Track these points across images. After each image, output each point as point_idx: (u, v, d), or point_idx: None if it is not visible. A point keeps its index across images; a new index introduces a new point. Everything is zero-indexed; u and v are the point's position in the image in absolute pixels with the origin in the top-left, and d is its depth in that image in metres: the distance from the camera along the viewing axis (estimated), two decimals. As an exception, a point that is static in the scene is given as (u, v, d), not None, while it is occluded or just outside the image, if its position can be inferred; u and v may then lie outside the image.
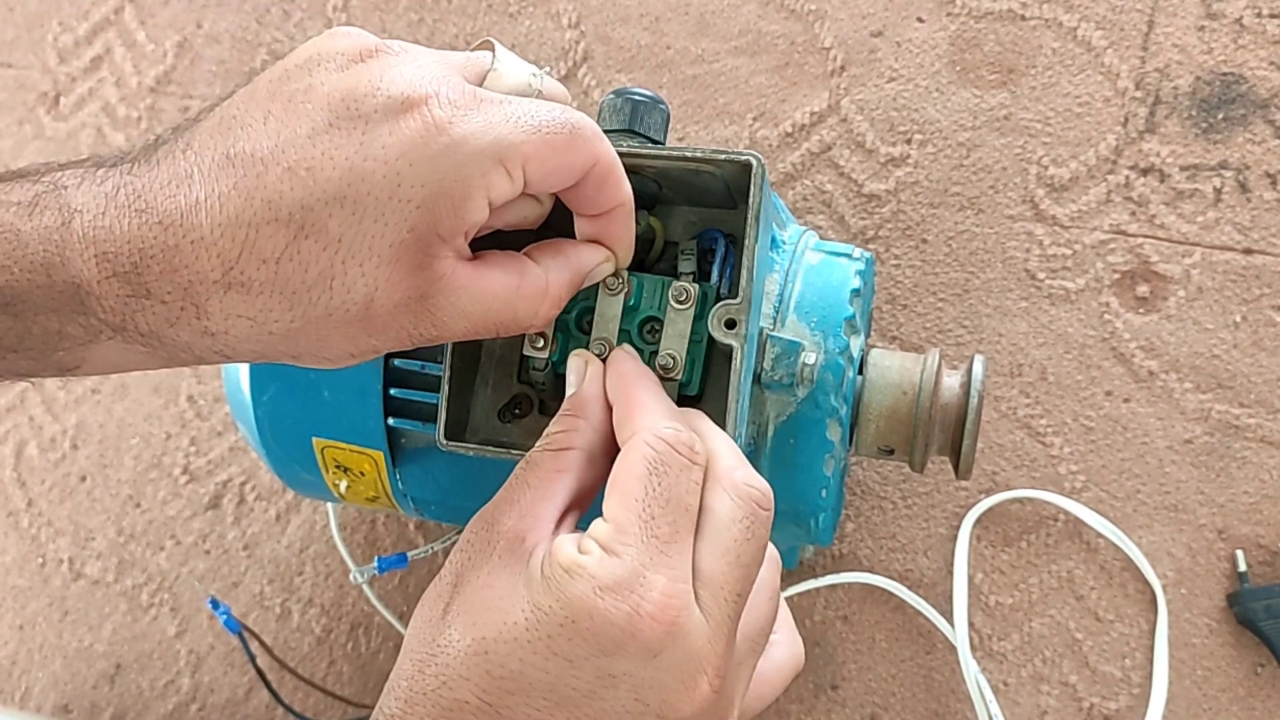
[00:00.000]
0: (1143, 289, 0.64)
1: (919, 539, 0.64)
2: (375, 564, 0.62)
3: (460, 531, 0.62)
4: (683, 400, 0.40)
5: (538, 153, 0.33)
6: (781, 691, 0.40)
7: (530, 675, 0.31)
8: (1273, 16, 0.65)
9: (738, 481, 0.34)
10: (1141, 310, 0.64)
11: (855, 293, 0.48)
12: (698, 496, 0.34)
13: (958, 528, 0.63)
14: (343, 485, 0.53)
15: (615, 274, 0.40)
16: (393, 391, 0.49)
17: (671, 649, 0.32)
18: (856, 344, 0.48)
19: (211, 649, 0.71)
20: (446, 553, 0.66)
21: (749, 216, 0.39)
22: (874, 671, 0.63)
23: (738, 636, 0.34)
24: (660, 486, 0.33)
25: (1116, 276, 0.65)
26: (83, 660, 0.72)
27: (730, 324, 0.39)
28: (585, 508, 0.36)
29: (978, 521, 0.63)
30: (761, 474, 0.36)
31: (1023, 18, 0.68)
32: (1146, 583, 0.61)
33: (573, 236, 0.39)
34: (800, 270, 0.48)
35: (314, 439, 0.51)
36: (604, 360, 0.39)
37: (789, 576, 0.64)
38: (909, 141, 0.68)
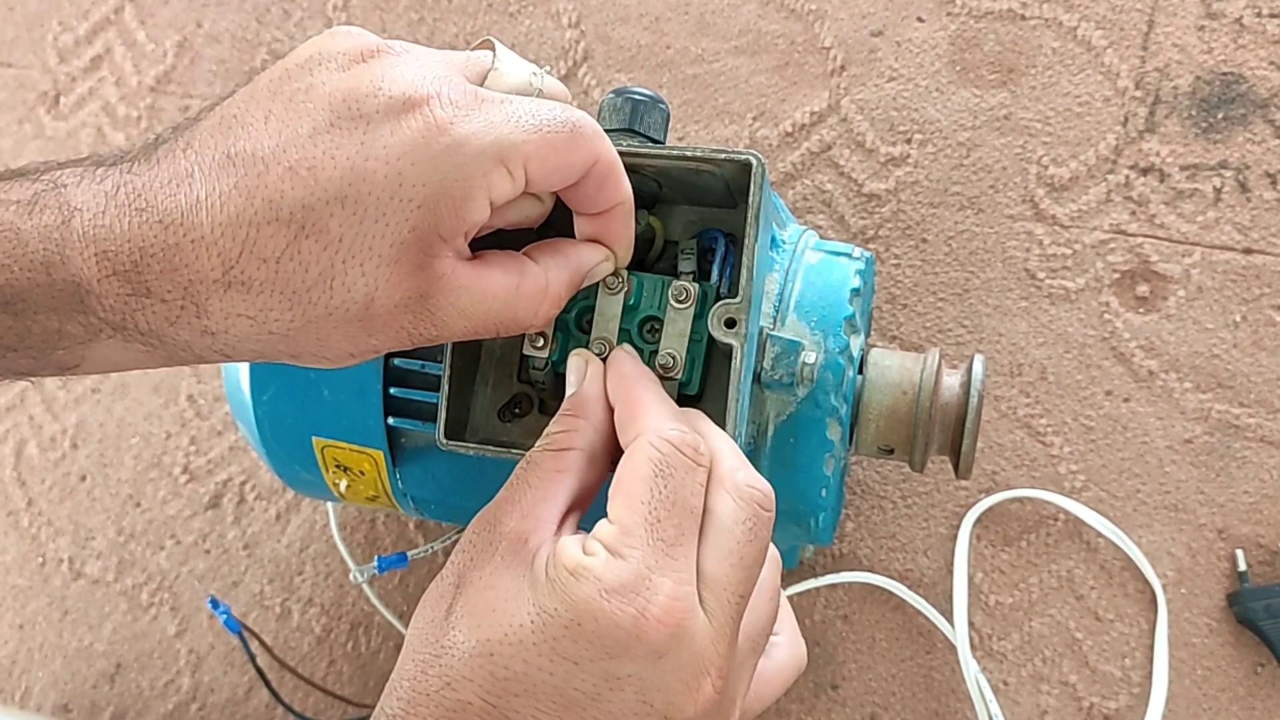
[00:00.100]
0: (1143, 289, 0.64)
1: (919, 538, 0.64)
2: (375, 563, 0.62)
3: (460, 531, 0.62)
4: (683, 400, 0.40)
5: (539, 152, 0.33)
6: (783, 692, 0.40)
7: (535, 677, 0.31)
8: (1273, 16, 0.65)
9: (740, 483, 0.34)
10: (1141, 310, 0.64)
11: (855, 292, 0.48)
12: (702, 498, 0.34)
13: (958, 527, 0.63)
14: (343, 485, 0.53)
15: (615, 273, 0.40)
16: (393, 391, 0.49)
17: (676, 651, 0.32)
18: (856, 343, 0.48)
19: (211, 648, 0.71)
20: (447, 552, 0.66)
21: (749, 216, 0.39)
22: (874, 671, 0.63)
23: (740, 637, 0.34)
24: (666, 489, 0.33)
25: (1116, 276, 0.65)
26: (83, 660, 0.72)
27: (730, 323, 0.39)
28: (586, 507, 0.36)
29: (978, 521, 0.63)
30: (761, 473, 0.36)
31: (1023, 17, 0.68)
32: (1146, 582, 0.61)
33: (572, 236, 0.39)
34: (800, 270, 0.48)
35: (314, 438, 0.51)
36: (604, 360, 0.39)
37: (789, 576, 0.64)
38: (909, 141, 0.68)
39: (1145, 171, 0.65)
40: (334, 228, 0.32)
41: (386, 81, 0.32)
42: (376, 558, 0.63)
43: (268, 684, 0.67)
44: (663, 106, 0.44)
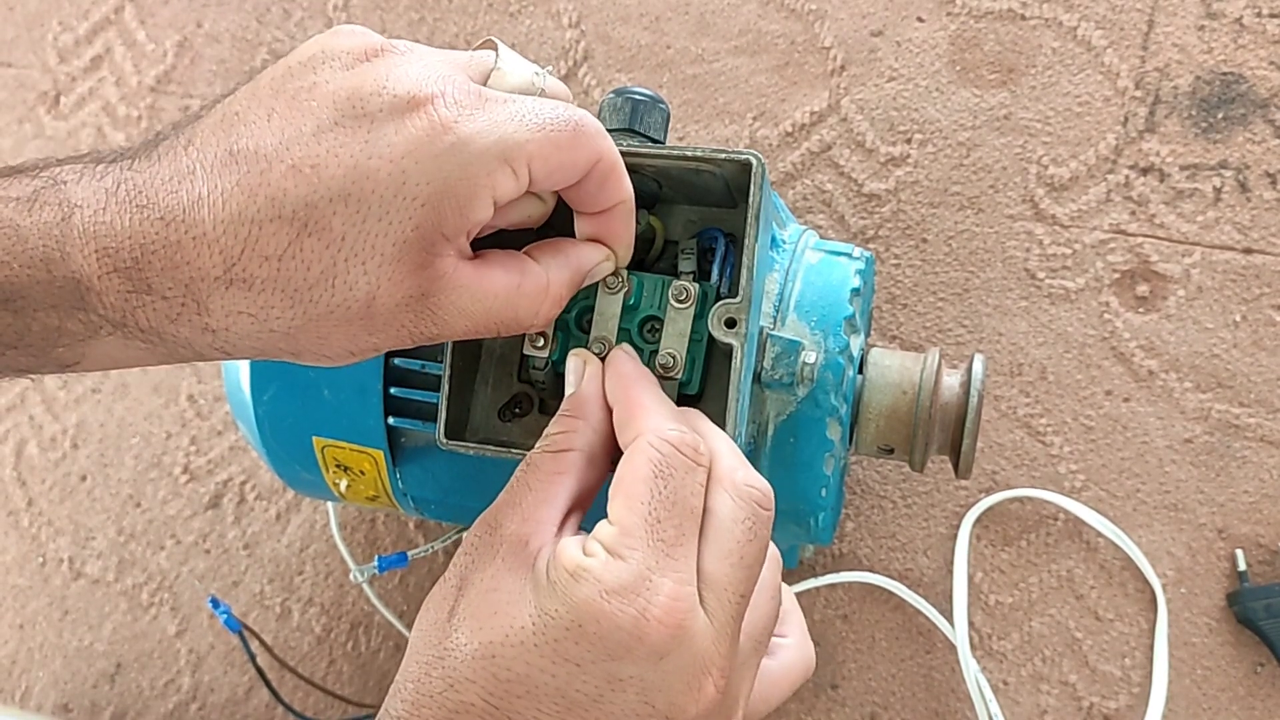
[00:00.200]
0: (1143, 288, 0.64)
1: (919, 538, 0.64)
2: (375, 563, 0.62)
3: (461, 531, 0.62)
4: (683, 399, 0.40)
5: (542, 150, 0.33)
6: (790, 694, 0.40)
7: (537, 679, 0.31)
8: (1273, 16, 0.65)
9: (739, 482, 0.34)
10: (1141, 310, 0.64)
11: (855, 292, 0.48)
12: (702, 498, 0.34)
13: (958, 527, 0.63)
14: (343, 484, 0.53)
15: (615, 273, 0.40)
16: (393, 390, 0.49)
17: (677, 651, 0.32)
18: (856, 343, 0.48)
19: (212, 648, 0.71)
20: (447, 552, 0.66)
21: (749, 216, 0.39)
22: (874, 670, 0.63)
23: (741, 636, 0.34)
24: (666, 490, 0.33)
25: (1116, 276, 0.65)
26: (83, 659, 0.72)
27: (730, 323, 0.39)
28: (587, 508, 0.36)
29: (978, 521, 0.63)
30: (761, 473, 0.36)
31: (1023, 17, 0.68)
32: (1146, 582, 0.61)
33: (572, 236, 0.39)
34: (800, 269, 0.48)
35: (314, 438, 0.51)
36: (603, 359, 0.39)
37: (789, 576, 0.64)
38: (909, 141, 0.68)
39: (1145, 171, 0.65)
40: (337, 226, 0.31)
41: (391, 80, 0.32)
42: (376, 557, 0.63)
43: (268, 684, 0.67)
44: (663, 106, 0.44)
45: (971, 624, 0.62)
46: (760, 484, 0.35)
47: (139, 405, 0.75)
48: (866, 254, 0.51)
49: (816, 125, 0.69)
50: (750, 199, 0.39)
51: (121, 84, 0.80)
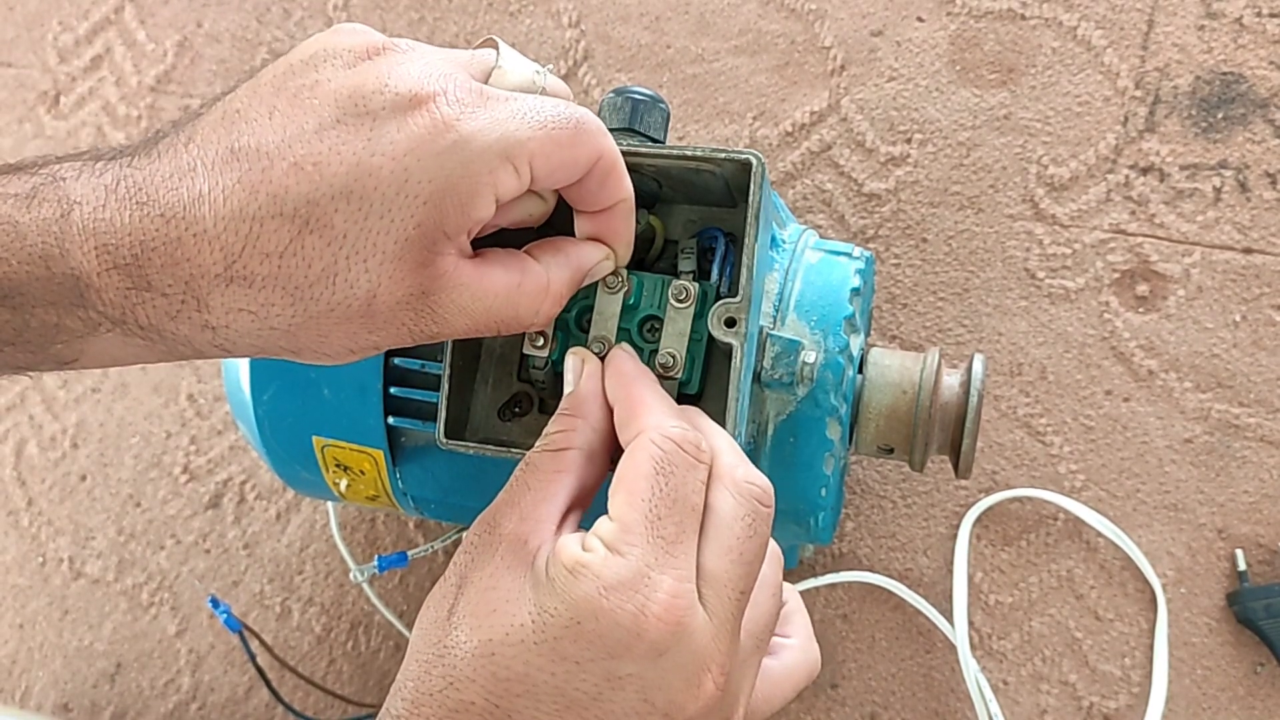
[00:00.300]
0: (1142, 288, 0.64)
1: (919, 538, 0.64)
2: (375, 563, 0.62)
3: (461, 530, 0.62)
4: (682, 399, 0.40)
5: (544, 148, 0.33)
6: (794, 695, 0.40)
7: (537, 678, 0.31)
8: (1273, 16, 0.65)
9: (739, 479, 0.34)
10: (1141, 309, 0.64)
11: (855, 291, 0.48)
12: (703, 496, 0.34)
13: (957, 527, 0.63)
14: (343, 484, 0.53)
15: (615, 272, 0.40)
16: (393, 390, 0.49)
17: (677, 649, 0.32)
18: (856, 343, 0.48)
19: (212, 648, 0.71)
20: (446, 551, 0.66)
21: (749, 215, 0.39)
22: (874, 670, 0.63)
23: (741, 634, 0.34)
24: (667, 486, 0.33)
25: (1116, 276, 0.65)
26: (83, 659, 0.72)
27: (730, 322, 0.39)
28: (586, 506, 0.36)
29: (978, 521, 0.63)
30: (761, 472, 0.36)
31: (1023, 17, 0.68)
32: (1146, 582, 0.61)
33: (572, 235, 0.39)
34: (800, 269, 0.48)
35: (314, 438, 0.51)
36: (602, 359, 0.39)
37: (789, 575, 0.64)
38: (909, 141, 0.68)
39: (1145, 171, 0.65)
40: (338, 223, 0.31)
41: (393, 78, 0.32)
42: (376, 557, 0.63)
43: (268, 683, 0.67)
44: (663, 106, 0.44)
45: (971, 624, 0.62)
46: (760, 481, 0.35)
47: (139, 405, 0.75)
48: (866, 254, 0.51)
49: (816, 125, 0.69)
50: (750, 199, 0.39)
51: (121, 84, 0.80)
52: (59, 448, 0.76)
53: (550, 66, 0.39)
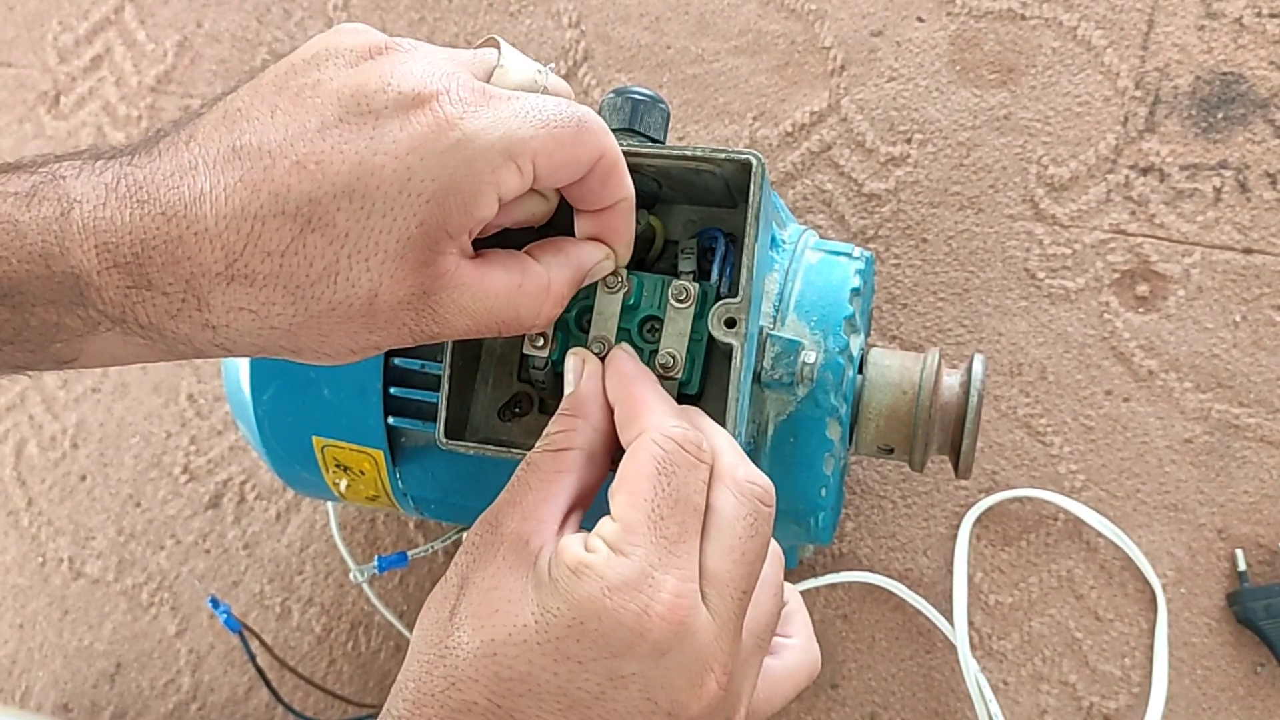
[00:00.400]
0: (1142, 288, 0.64)
1: (919, 538, 0.64)
2: (375, 563, 0.62)
3: (461, 531, 0.62)
4: (682, 399, 0.40)
5: (546, 147, 0.33)
6: (795, 695, 0.40)
7: (540, 677, 0.31)
8: (1273, 16, 0.65)
9: (740, 479, 0.34)
10: (1141, 310, 0.64)
11: (855, 292, 0.48)
12: (704, 495, 0.34)
13: (957, 527, 0.63)
14: (343, 484, 0.53)
15: (615, 272, 0.40)
16: (393, 390, 0.49)
17: (680, 648, 0.32)
18: (856, 343, 0.48)
19: (211, 648, 0.71)
20: (447, 551, 0.66)
21: (749, 215, 0.39)
22: (874, 670, 0.63)
23: (743, 633, 0.34)
24: (669, 486, 0.33)
25: (1116, 276, 0.65)
26: (83, 659, 0.72)
27: (730, 323, 0.39)
28: (587, 506, 0.36)
29: (978, 521, 0.63)
30: (762, 472, 0.36)
31: (1023, 17, 0.68)
32: (1146, 582, 0.61)
33: (571, 236, 0.39)
34: (800, 269, 0.48)
35: (314, 438, 0.51)
36: (602, 359, 0.39)
37: (789, 576, 0.63)
38: (909, 141, 0.68)
39: (1145, 171, 0.65)
40: (340, 222, 0.31)
41: (395, 78, 0.32)
42: (376, 557, 0.63)
43: (268, 684, 0.67)
44: (663, 106, 0.44)
45: (971, 624, 0.62)
46: (762, 480, 0.35)
47: (139, 405, 0.75)
48: (866, 254, 0.51)
49: (816, 125, 0.69)
50: (750, 199, 0.39)
51: (121, 84, 0.80)
52: (59, 448, 0.76)
53: (552, 66, 0.39)
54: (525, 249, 0.37)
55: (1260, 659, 0.60)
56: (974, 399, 0.48)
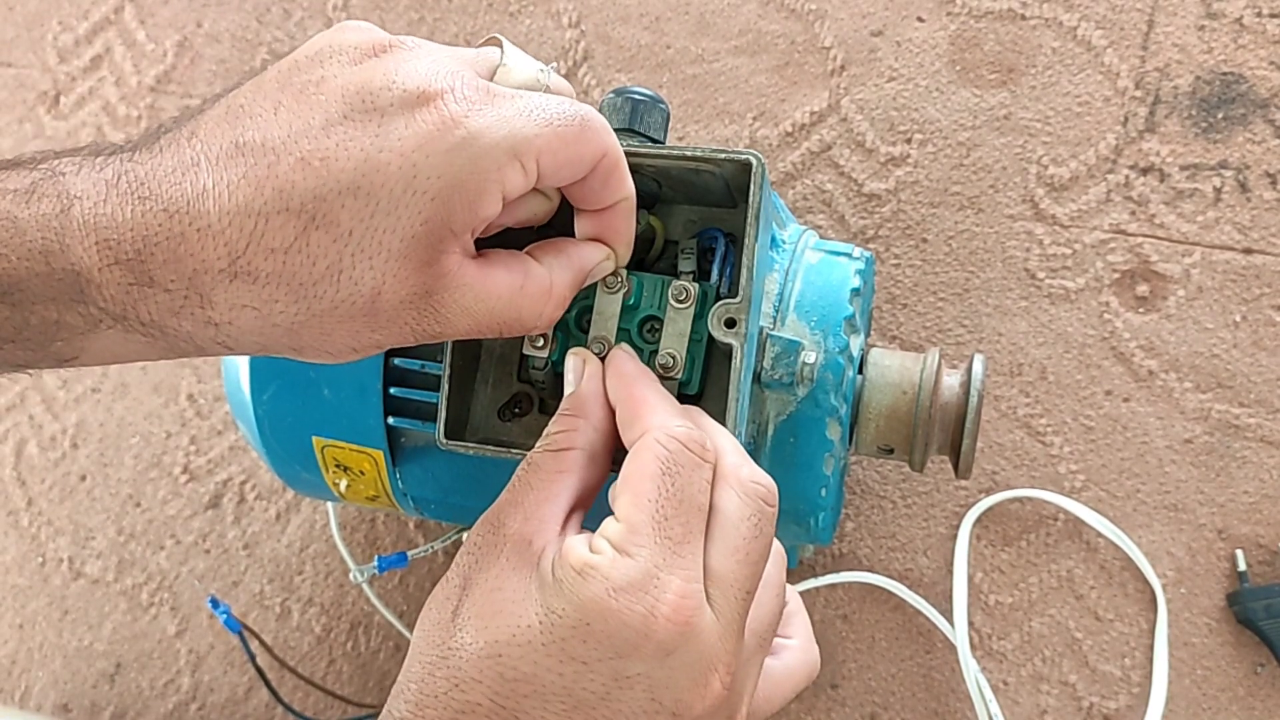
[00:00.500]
0: (1143, 288, 0.64)
1: (919, 538, 0.64)
2: (375, 563, 0.62)
3: (461, 531, 0.62)
4: (682, 399, 0.40)
5: (550, 145, 0.33)
6: (794, 695, 0.40)
7: (545, 678, 0.31)
8: (1273, 16, 0.65)
9: (744, 479, 0.34)
10: (1141, 310, 0.64)
11: (855, 292, 0.48)
12: (708, 495, 0.34)
13: (957, 527, 0.63)
14: (343, 484, 0.53)
15: (615, 273, 0.40)
16: (393, 390, 0.49)
17: (685, 649, 0.32)
18: (856, 343, 0.48)
19: (211, 648, 0.71)
20: (447, 552, 0.66)
21: (749, 215, 0.39)
22: (874, 670, 0.63)
23: (746, 633, 0.34)
24: (674, 487, 0.33)
25: (1116, 276, 0.65)
26: (83, 659, 0.72)
27: (730, 323, 0.39)
28: (589, 507, 0.36)
29: (978, 521, 0.63)
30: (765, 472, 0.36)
31: (1023, 17, 0.68)
32: (1146, 582, 0.61)
33: (569, 237, 0.39)
34: (800, 269, 0.48)
35: (314, 438, 0.51)
36: (602, 359, 0.39)
37: (788, 576, 0.64)
38: (909, 141, 0.68)
39: (1145, 171, 0.65)
40: (344, 220, 0.31)
41: (400, 75, 0.32)
42: (376, 557, 0.63)
43: (268, 684, 0.67)
44: (663, 106, 0.44)
45: (971, 624, 0.62)
46: (765, 480, 0.35)
47: (139, 405, 0.75)
48: (866, 254, 0.51)
49: (816, 125, 0.69)
50: (750, 199, 0.39)
51: (121, 84, 0.80)
52: (59, 448, 0.76)
53: (554, 65, 0.39)
54: (526, 249, 0.37)
55: (1260, 659, 0.60)
56: (974, 399, 0.48)
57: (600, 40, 0.73)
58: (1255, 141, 0.64)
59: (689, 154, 0.39)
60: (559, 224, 0.39)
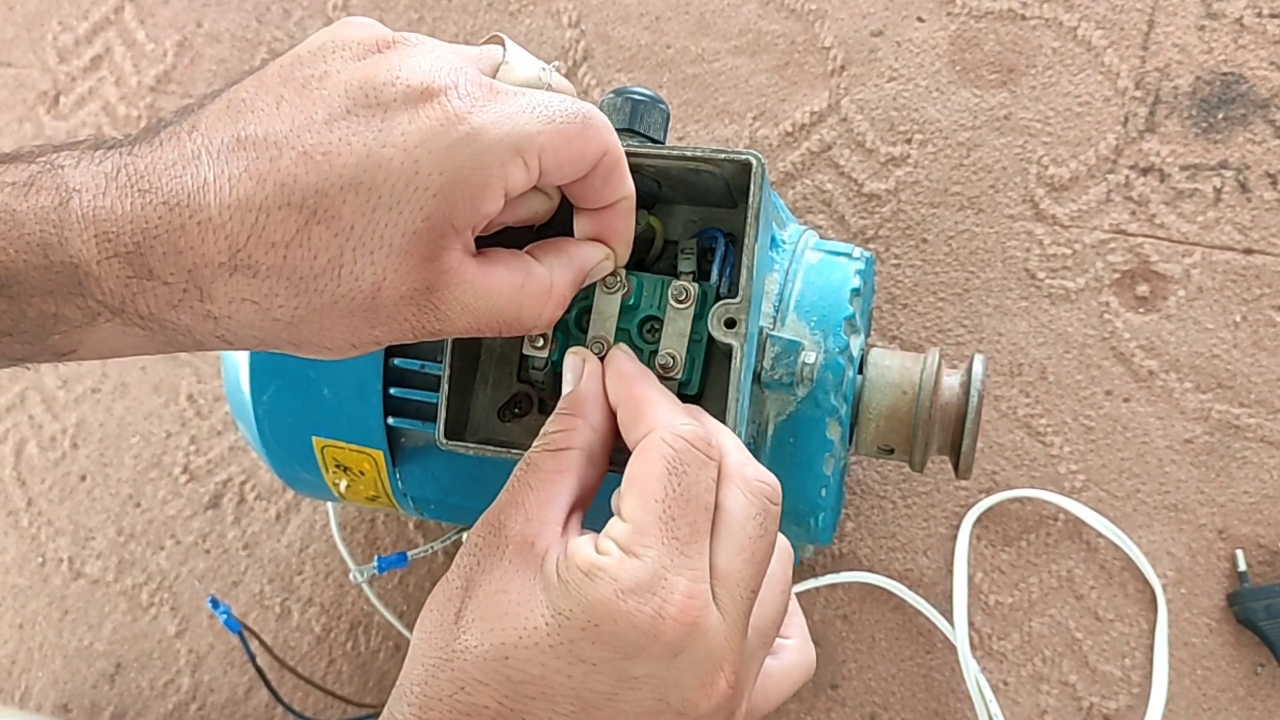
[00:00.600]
0: (1143, 288, 0.64)
1: (919, 538, 0.64)
2: (375, 563, 0.62)
3: (461, 530, 0.62)
4: (682, 400, 0.40)
5: (552, 143, 0.33)
6: (790, 694, 0.40)
7: (552, 680, 0.31)
8: (1273, 16, 0.65)
9: (750, 477, 0.34)
10: (1141, 310, 0.64)
11: (855, 292, 0.48)
12: (714, 494, 0.34)
13: (957, 527, 0.63)
14: (342, 484, 0.53)
15: (614, 272, 0.40)
16: (392, 390, 0.49)
17: (692, 648, 0.32)
18: (856, 343, 0.48)
19: (211, 648, 0.71)
20: (446, 552, 0.66)
21: (749, 216, 0.39)
22: (874, 671, 0.63)
23: (750, 631, 0.34)
24: (680, 487, 0.33)
25: (1116, 276, 0.65)
26: (82, 659, 0.72)
27: (730, 323, 0.39)
28: (588, 507, 0.36)
29: (978, 521, 0.63)
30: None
31: (1023, 17, 0.68)
32: (1146, 582, 0.61)
33: (569, 236, 0.39)
34: (800, 269, 0.48)
35: (314, 438, 0.51)
36: (601, 359, 0.39)
37: (789, 576, 0.64)
38: (909, 141, 0.68)
39: (1145, 171, 0.65)
40: (346, 215, 0.31)
41: (404, 71, 0.32)
42: (376, 558, 0.63)
43: (268, 684, 0.67)
44: (663, 106, 0.44)
45: (971, 624, 0.62)
46: (769, 479, 0.35)
47: (139, 405, 0.75)
48: (866, 254, 0.51)
49: (816, 125, 0.69)
50: (750, 199, 0.39)
51: (121, 84, 0.80)
52: (59, 448, 0.76)
53: (556, 64, 0.38)
54: (526, 249, 0.37)
55: (1260, 659, 0.60)
56: (974, 399, 0.48)
57: (600, 40, 0.73)
58: (1255, 141, 0.64)
59: (689, 154, 0.39)
60: (558, 224, 0.39)
